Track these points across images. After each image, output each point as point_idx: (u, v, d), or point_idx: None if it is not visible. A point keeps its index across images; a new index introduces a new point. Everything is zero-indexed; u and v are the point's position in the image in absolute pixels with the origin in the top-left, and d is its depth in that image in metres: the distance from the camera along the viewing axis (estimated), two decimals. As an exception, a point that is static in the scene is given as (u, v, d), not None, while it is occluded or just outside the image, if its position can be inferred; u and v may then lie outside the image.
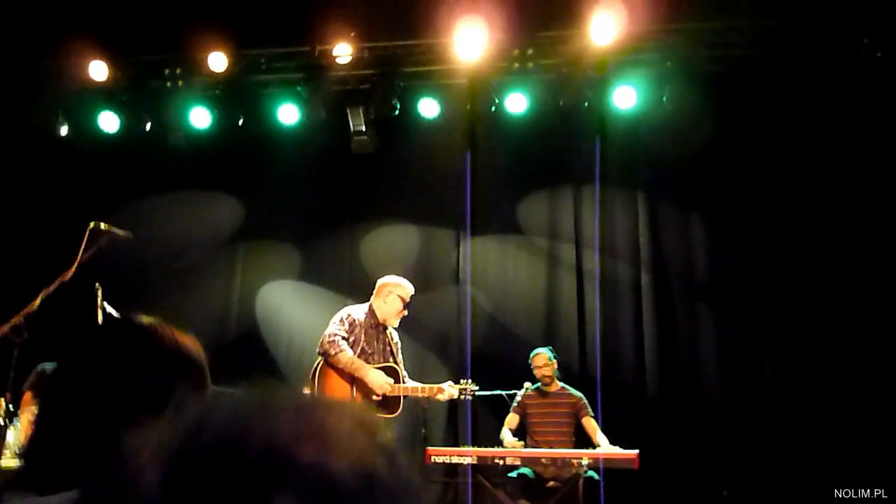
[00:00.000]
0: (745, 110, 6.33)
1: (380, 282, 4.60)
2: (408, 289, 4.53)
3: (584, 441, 5.26)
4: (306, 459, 0.43)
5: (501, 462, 4.71)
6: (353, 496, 0.43)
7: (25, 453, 1.03)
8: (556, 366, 5.45)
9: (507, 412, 5.47)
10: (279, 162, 7.06)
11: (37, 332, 3.65)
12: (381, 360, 4.32)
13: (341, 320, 4.37)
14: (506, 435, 5.25)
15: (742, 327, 6.21)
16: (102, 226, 3.88)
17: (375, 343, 4.36)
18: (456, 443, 5.73)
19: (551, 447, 5.03)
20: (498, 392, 5.38)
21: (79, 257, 3.77)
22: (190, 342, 1.12)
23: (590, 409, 5.38)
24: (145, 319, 1.12)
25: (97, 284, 4.22)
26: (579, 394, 5.45)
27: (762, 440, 5.78)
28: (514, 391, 5.39)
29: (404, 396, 4.35)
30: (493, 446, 4.92)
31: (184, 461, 0.44)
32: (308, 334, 5.17)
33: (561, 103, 6.37)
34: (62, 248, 4.37)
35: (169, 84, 6.70)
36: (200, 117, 6.74)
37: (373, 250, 7.16)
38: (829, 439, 5.52)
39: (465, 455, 4.71)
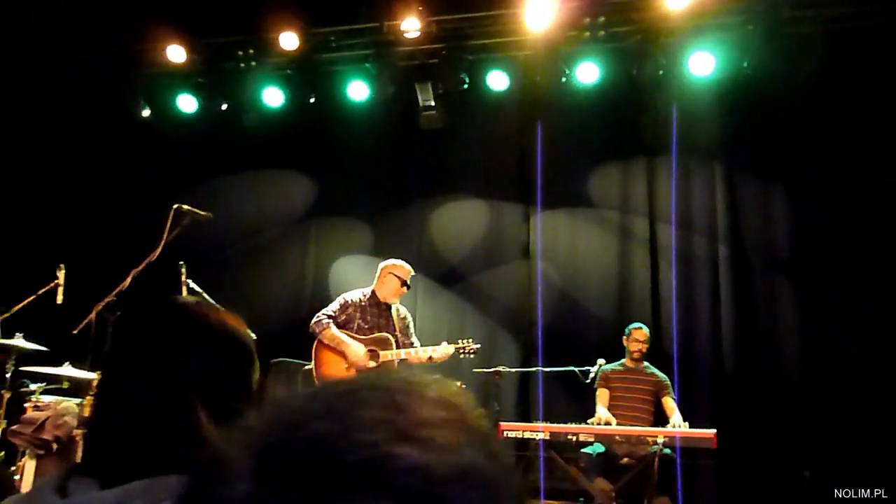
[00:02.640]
0: (831, 76, 5.95)
1: (380, 265, 4.94)
2: (405, 269, 4.83)
3: (664, 422, 5.18)
4: (405, 461, 0.42)
5: (574, 438, 4.69)
6: (452, 496, 0.42)
7: (86, 436, 1.08)
8: (648, 346, 5.38)
9: (579, 387, 5.40)
10: (350, 139, 7.14)
11: (129, 309, 3.84)
12: (377, 333, 4.68)
13: (335, 302, 4.80)
14: (600, 411, 5.18)
15: (824, 303, 5.94)
16: (185, 207, 4.03)
17: (376, 319, 4.73)
18: (528, 418, 5.73)
19: (629, 424, 4.98)
20: (570, 368, 5.34)
21: (164, 238, 3.93)
22: (235, 322, 1.12)
23: (671, 391, 5.30)
24: (190, 300, 1.14)
25: (181, 263, 4.40)
26: (663, 375, 5.37)
27: (844, 420, 5.55)
28: (586, 367, 5.33)
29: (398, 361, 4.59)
30: (565, 422, 4.90)
31: (278, 460, 0.44)
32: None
33: (634, 72, 6.17)
34: (148, 228, 4.56)
35: (242, 65, 6.85)
36: (273, 96, 6.88)
37: (442, 225, 7.18)
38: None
39: (538, 430, 4.72)
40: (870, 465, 5.10)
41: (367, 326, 4.72)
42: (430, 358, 4.61)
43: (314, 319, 4.74)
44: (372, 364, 4.58)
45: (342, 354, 4.65)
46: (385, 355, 4.59)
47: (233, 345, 1.09)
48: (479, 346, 4.75)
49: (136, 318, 1.11)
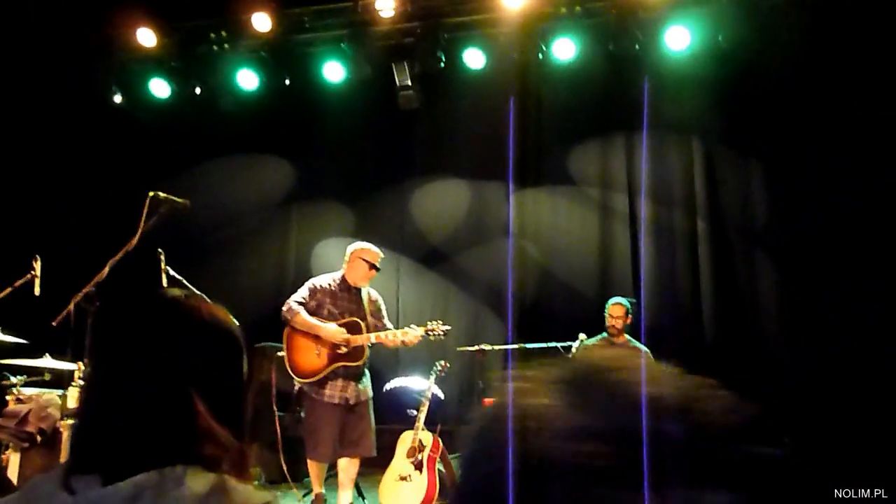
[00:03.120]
0: (806, 48, 5.97)
1: (349, 248, 4.91)
2: (373, 252, 4.81)
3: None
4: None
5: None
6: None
7: (78, 430, 1.07)
8: (629, 320, 5.38)
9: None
10: (327, 121, 7.09)
11: (107, 299, 3.80)
12: (348, 317, 4.68)
13: (304, 288, 4.78)
14: None
15: (803, 275, 6.03)
16: (161, 195, 3.98)
17: (345, 303, 4.72)
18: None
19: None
20: (553, 344, 5.39)
21: (141, 226, 3.88)
22: (221, 314, 1.14)
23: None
24: (175, 292, 1.15)
25: (160, 251, 4.35)
26: (644, 347, 5.41)
27: (823, 389, 5.66)
28: (568, 343, 5.38)
29: (371, 345, 4.65)
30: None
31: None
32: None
33: (611, 48, 6.17)
34: (125, 217, 4.51)
35: (216, 48, 6.75)
36: (248, 79, 6.79)
37: (424, 206, 7.18)
38: (893, 387, 5.37)
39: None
40: (848, 433, 5.21)
41: (337, 311, 4.70)
42: (403, 342, 4.65)
43: (284, 307, 4.70)
44: (342, 350, 4.59)
45: (315, 338, 4.66)
46: (356, 339, 4.60)
47: (224, 337, 1.12)
48: (448, 327, 4.75)
49: (128, 313, 1.12)
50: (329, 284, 4.78)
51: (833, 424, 5.37)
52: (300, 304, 4.68)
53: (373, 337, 4.63)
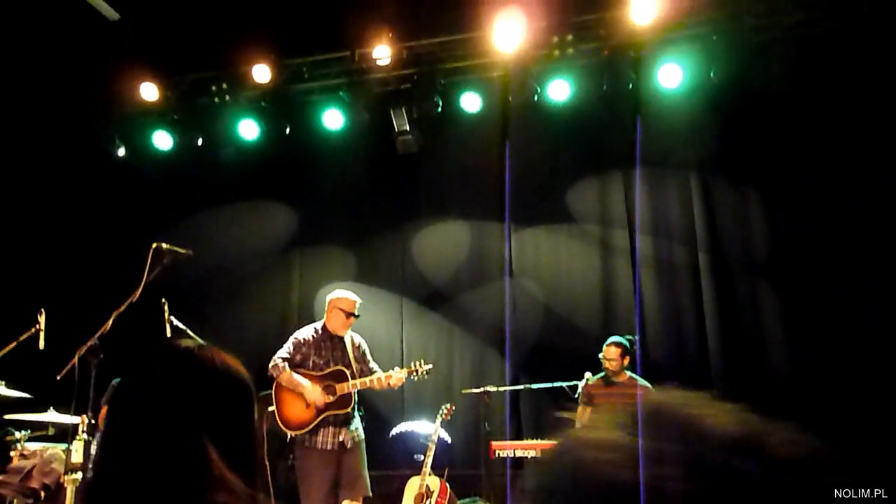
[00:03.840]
0: (797, 80, 6.08)
1: (326, 298, 5.01)
2: (349, 300, 4.89)
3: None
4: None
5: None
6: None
7: (94, 478, 1.09)
8: (625, 361, 5.32)
9: (569, 403, 5.41)
10: (327, 167, 7.18)
11: (112, 351, 3.81)
12: (333, 367, 4.78)
13: (288, 343, 4.88)
14: None
15: (806, 304, 6.01)
16: (164, 246, 4.02)
17: (329, 353, 4.82)
18: (520, 436, 5.73)
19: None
20: (559, 384, 5.36)
21: (144, 277, 3.91)
22: (234, 363, 1.16)
23: None
24: (192, 343, 1.17)
25: (163, 301, 4.38)
26: (647, 384, 5.36)
27: (831, 421, 5.59)
28: (574, 382, 5.34)
29: (358, 391, 4.74)
30: (556, 438, 4.89)
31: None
32: (367, 334, 5.26)
33: (604, 87, 6.27)
34: (129, 269, 4.54)
35: (216, 99, 6.88)
36: (249, 129, 6.90)
37: (425, 248, 7.21)
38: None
39: (530, 448, 4.72)
40: (857, 470, 5.12)
41: (321, 362, 4.80)
42: (389, 385, 4.73)
43: (271, 363, 4.79)
44: (330, 399, 4.69)
45: (301, 395, 4.76)
46: (342, 387, 4.70)
47: (236, 386, 1.13)
48: (430, 366, 4.84)
49: (143, 364, 1.13)
50: (311, 337, 4.87)
51: (843, 454, 5.28)
52: (285, 360, 4.79)
53: (358, 383, 4.72)
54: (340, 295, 4.94)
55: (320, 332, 4.89)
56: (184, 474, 1.01)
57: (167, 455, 1.02)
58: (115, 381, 4.85)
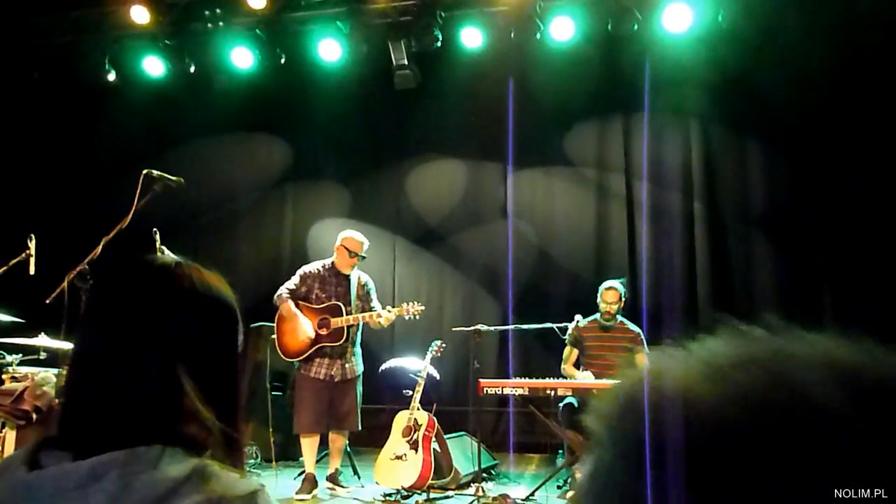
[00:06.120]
0: (808, 31, 5.92)
1: (339, 235, 5.17)
2: (355, 241, 5.05)
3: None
4: None
5: (552, 393, 4.77)
6: None
7: (61, 405, 1.00)
8: (622, 303, 5.35)
9: (558, 345, 5.45)
10: (323, 100, 7.03)
11: (102, 276, 3.78)
12: (334, 301, 4.98)
13: (296, 275, 5.09)
14: (571, 371, 5.24)
15: (799, 258, 6.03)
16: (155, 173, 3.95)
17: (333, 288, 5.01)
18: (507, 375, 5.80)
19: (605, 378, 5.05)
20: (549, 325, 5.38)
21: (135, 204, 3.85)
22: (217, 282, 1.05)
23: (645, 346, 5.35)
24: (165, 259, 1.06)
25: (154, 230, 4.33)
26: (637, 328, 5.40)
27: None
28: (564, 324, 5.37)
29: (349, 326, 4.91)
30: (544, 378, 4.96)
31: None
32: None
33: (609, 28, 6.11)
34: (119, 195, 4.48)
35: (210, 25, 6.66)
36: (243, 57, 6.72)
37: (420, 186, 7.15)
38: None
39: (518, 387, 4.78)
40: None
41: (324, 295, 5.00)
42: (379, 322, 4.89)
43: (277, 293, 5.03)
44: (323, 332, 4.91)
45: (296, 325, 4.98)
46: (336, 321, 4.90)
47: (217, 308, 1.03)
48: (423, 307, 4.98)
49: (113, 282, 1.02)
50: (318, 270, 5.09)
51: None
52: (290, 291, 5.02)
53: (351, 318, 4.89)
54: (348, 235, 5.11)
55: (328, 267, 5.09)
56: (149, 402, 0.93)
57: (132, 380, 0.94)
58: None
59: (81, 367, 1.00)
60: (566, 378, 5.14)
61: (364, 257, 5.08)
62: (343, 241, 5.06)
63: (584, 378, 5.04)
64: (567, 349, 5.36)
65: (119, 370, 0.95)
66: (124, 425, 0.91)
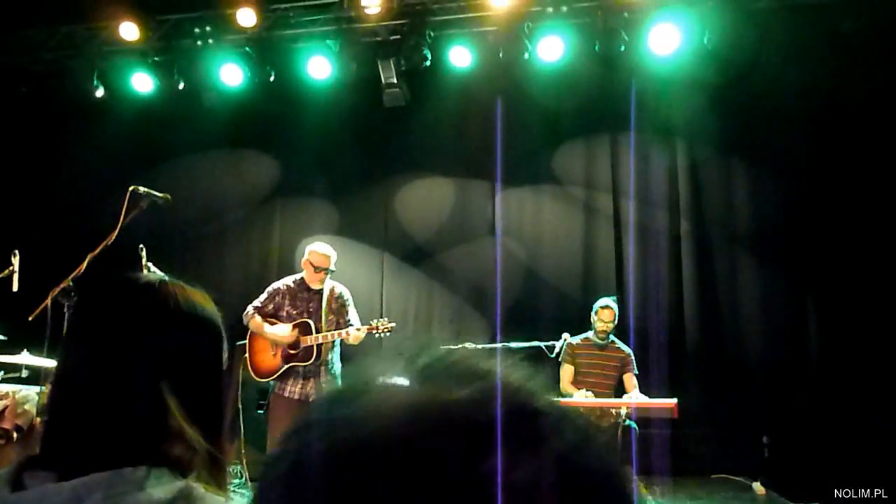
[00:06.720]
0: (794, 50, 6.02)
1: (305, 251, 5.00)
2: (319, 255, 4.81)
3: (622, 394, 5.25)
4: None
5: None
6: None
7: (44, 427, 0.99)
8: (616, 322, 5.37)
9: (546, 363, 5.42)
10: (312, 118, 7.04)
11: (83, 291, 3.75)
12: (305, 318, 4.78)
13: (264, 293, 4.91)
14: (572, 389, 5.21)
15: (785, 277, 6.08)
16: (142, 189, 3.93)
17: (305, 304, 4.79)
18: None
19: (595, 397, 5.05)
20: (536, 343, 5.38)
21: (121, 220, 3.83)
22: (202, 299, 1.05)
23: (634, 367, 5.36)
24: (149, 277, 1.06)
25: (141, 246, 4.30)
26: (628, 349, 5.42)
27: (804, 390, 5.71)
28: (552, 342, 5.37)
29: (319, 344, 4.70)
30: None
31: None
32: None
33: (596, 48, 6.18)
34: (105, 212, 4.46)
35: (199, 42, 6.68)
36: (232, 75, 6.73)
37: (408, 204, 7.16)
38: (874, 388, 5.43)
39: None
40: (828, 433, 5.26)
41: (295, 312, 4.80)
42: (349, 342, 4.71)
43: (244, 312, 4.83)
44: (293, 351, 4.69)
45: (269, 340, 4.79)
46: (305, 340, 4.70)
47: (201, 326, 1.02)
48: (393, 324, 4.79)
49: (97, 300, 1.02)
50: (289, 286, 4.86)
51: (817, 425, 5.41)
52: (256, 308, 4.81)
53: (320, 337, 4.68)
54: (311, 248, 4.90)
55: (298, 282, 4.87)
56: (134, 422, 0.92)
57: (116, 399, 0.93)
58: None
59: (65, 386, 0.99)
60: (564, 396, 5.11)
61: (332, 271, 4.83)
62: (308, 257, 4.82)
63: (584, 397, 5.01)
64: (565, 367, 5.35)
65: (103, 389, 0.94)
66: (109, 445, 0.90)
